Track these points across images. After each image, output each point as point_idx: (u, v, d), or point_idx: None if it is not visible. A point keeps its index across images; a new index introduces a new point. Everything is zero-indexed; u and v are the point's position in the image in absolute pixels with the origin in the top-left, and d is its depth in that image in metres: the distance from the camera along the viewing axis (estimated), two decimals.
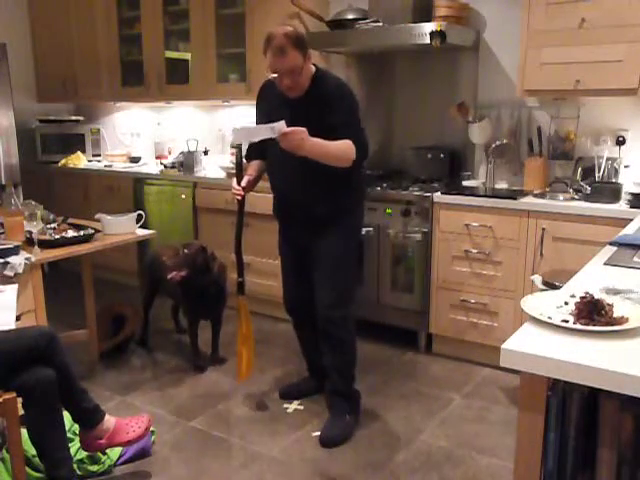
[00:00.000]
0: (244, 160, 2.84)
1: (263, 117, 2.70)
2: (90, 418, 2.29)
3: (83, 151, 5.22)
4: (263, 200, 3.83)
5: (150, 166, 4.89)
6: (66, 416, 2.26)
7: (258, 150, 2.76)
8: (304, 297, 2.79)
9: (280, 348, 3.62)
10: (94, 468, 2.40)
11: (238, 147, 2.79)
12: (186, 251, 3.12)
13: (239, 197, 2.74)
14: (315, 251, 2.71)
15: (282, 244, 2.91)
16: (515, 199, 3.18)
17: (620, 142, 3.25)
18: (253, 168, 2.81)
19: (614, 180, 3.24)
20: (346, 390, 2.79)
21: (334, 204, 2.64)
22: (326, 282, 2.69)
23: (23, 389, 2.10)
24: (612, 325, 1.31)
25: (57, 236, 2.90)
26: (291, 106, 2.57)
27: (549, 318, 1.34)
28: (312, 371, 3.07)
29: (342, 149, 2.49)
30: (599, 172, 3.26)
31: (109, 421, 2.33)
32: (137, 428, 2.36)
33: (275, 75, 2.49)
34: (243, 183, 2.72)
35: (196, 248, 3.16)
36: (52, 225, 3.06)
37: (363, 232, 3.13)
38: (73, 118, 5.43)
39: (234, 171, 4.33)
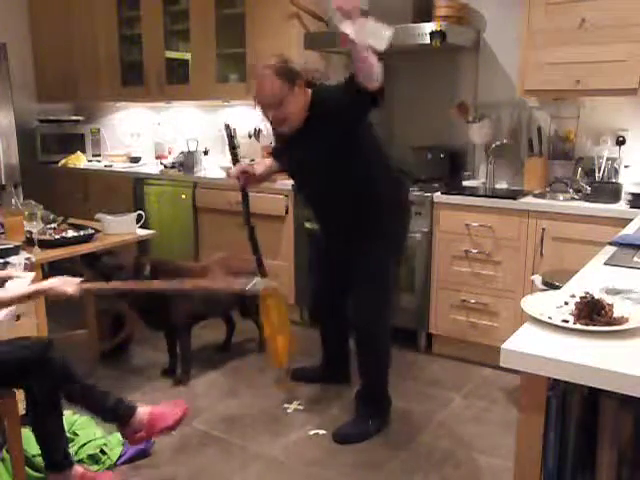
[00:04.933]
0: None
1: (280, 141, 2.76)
2: (120, 416, 2.29)
3: (83, 151, 5.21)
4: (265, 200, 3.84)
5: (150, 166, 4.88)
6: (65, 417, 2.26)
7: (280, 154, 2.77)
8: (333, 303, 2.89)
9: None
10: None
11: (227, 131, 2.81)
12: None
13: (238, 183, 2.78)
14: (351, 264, 2.69)
15: (316, 250, 2.98)
16: (515, 199, 3.18)
17: (620, 142, 3.25)
18: (261, 166, 2.85)
19: (614, 180, 3.24)
20: (373, 396, 2.79)
21: (361, 218, 2.60)
22: (360, 296, 2.68)
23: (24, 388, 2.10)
24: (612, 325, 1.31)
25: (57, 236, 2.90)
26: (297, 137, 2.51)
27: (549, 318, 1.34)
28: (327, 361, 3.13)
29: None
30: (599, 172, 3.26)
31: (143, 412, 2.32)
32: (174, 414, 2.35)
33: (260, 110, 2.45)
34: (237, 168, 2.75)
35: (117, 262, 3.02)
36: (52, 225, 3.06)
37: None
38: (73, 118, 5.42)
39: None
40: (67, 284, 2.10)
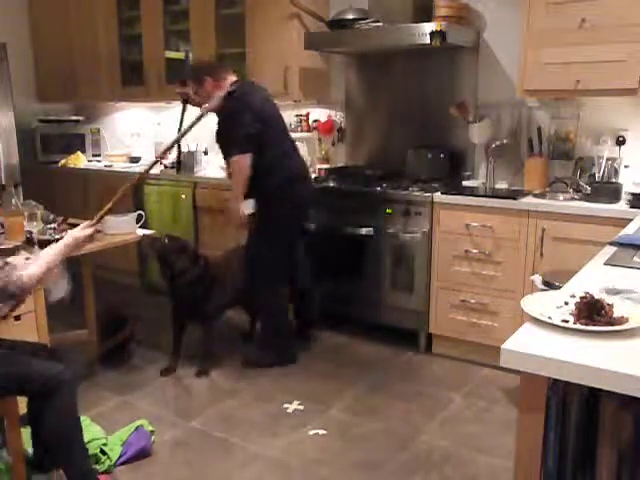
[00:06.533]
0: None
1: None
2: None
3: (83, 151, 5.22)
4: None
5: None
6: None
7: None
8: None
9: None
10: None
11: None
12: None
13: None
14: None
15: None
16: (515, 199, 3.18)
17: (620, 142, 3.25)
18: None
19: (614, 180, 3.24)
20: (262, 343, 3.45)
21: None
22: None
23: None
24: (612, 325, 1.31)
25: (57, 236, 2.90)
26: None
27: (549, 318, 1.34)
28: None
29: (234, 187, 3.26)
30: (599, 172, 3.26)
31: None
32: None
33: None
34: None
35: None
36: (52, 225, 3.06)
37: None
38: (73, 118, 5.42)
39: None
40: (83, 229, 2.26)
